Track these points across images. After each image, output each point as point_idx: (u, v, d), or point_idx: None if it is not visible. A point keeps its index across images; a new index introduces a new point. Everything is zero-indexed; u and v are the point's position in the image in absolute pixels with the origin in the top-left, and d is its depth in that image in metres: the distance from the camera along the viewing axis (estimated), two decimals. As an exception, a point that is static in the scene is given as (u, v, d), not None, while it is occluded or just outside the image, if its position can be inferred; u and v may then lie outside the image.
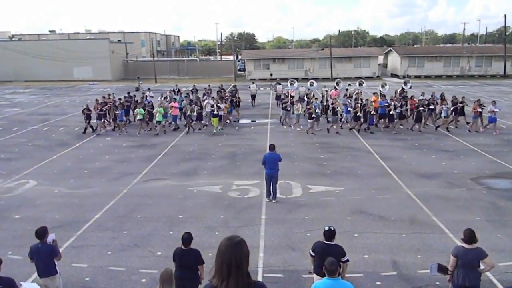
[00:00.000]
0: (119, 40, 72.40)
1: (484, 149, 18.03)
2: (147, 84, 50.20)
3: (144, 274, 8.55)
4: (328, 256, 5.86)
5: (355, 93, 25.12)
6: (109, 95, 25.80)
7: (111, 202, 12.52)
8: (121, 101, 24.48)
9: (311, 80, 29.16)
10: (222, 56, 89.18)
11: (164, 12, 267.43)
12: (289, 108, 24.49)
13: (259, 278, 8.22)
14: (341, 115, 22.72)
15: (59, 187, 14.09)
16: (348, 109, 22.39)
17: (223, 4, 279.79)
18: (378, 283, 8.12)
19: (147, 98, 25.98)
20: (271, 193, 12.33)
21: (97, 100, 23.88)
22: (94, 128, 22.89)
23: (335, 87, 27.13)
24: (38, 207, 12.35)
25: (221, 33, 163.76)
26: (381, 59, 62.37)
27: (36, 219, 11.08)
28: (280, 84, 30.86)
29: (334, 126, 21.81)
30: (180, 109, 24.28)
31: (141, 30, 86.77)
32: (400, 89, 26.22)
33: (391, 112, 21.76)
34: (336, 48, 69.86)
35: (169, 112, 23.50)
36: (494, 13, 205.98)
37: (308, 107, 22.30)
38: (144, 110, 22.81)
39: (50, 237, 7.21)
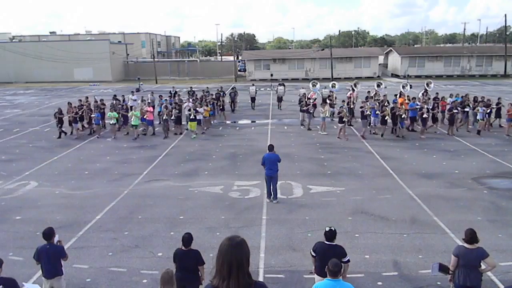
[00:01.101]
0: (120, 41, 72.50)
1: (485, 149, 18.02)
2: (147, 85, 50.28)
3: (145, 275, 8.56)
4: (329, 257, 5.86)
5: (373, 94, 24.17)
6: (86, 97, 24.99)
7: (112, 203, 12.53)
8: (97, 104, 23.56)
9: (333, 82, 27.98)
10: (223, 57, 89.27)
11: (164, 13, 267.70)
12: (311, 111, 23.53)
13: (260, 279, 8.21)
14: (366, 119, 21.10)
15: (60, 188, 14.10)
16: (376, 112, 20.95)
17: (223, 4, 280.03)
18: (379, 283, 8.11)
19: (125, 101, 25.24)
20: (272, 193, 12.33)
21: (69, 103, 22.99)
22: (66, 132, 22.11)
23: (352, 89, 26.00)
24: (39, 208, 12.35)
25: (222, 34, 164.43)
26: (381, 59, 62.37)
27: (37, 221, 11.10)
28: (303, 88, 28.74)
29: (363, 130, 20.63)
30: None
31: (142, 31, 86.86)
32: (423, 91, 25.07)
33: (424, 116, 20.37)
34: (337, 48, 69.90)
35: (145, 116, 22.10)
36: (494, 13, 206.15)
37: (338, 110, 20.98)
38: (118, 113, 22.06)
39: (55, 238, 7.23)
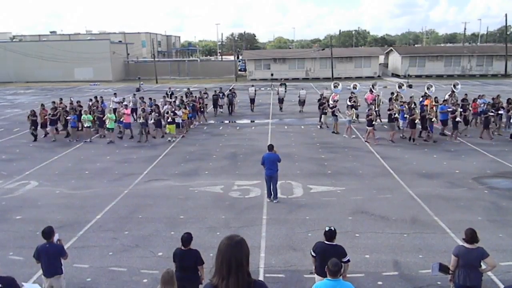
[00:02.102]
0: (120, 41, 72.56)
1: (485, 148, 18.00)
2: (148, 85, 50.31)
3: (146, 274, 8.55)
4: (329, 257, 5.85)
5: (395, 96, 22.93)
6: (61, 99, 24.04)
7: (112, 203, 12.53)
8: (73, 106, 22.66)
9: (354, 83, 26.62)
10: (223, 57, 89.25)
11: (164, 12, 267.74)
12: (336, 114, 22.31)
13: (261, 278, 8.20)
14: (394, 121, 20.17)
15: (60, 188, 14.10)
16: (405, 115, 19.70)
17: (223, 4, 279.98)
18: (380, 283, 8.11)
19: (104, 103, 24.42)
20: (272, 193, 12.33)
21: (42, 105, 22.14)
22: (37, 135, 21.30)
23: (371, 90, 25.10)
24: (39, 208, 12.36)
25: (222, 34, 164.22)
26: (382, 59, 62.40)
27: (37, 220, 11.10)
28: (327, 88, 26.99)
29: (391, 134, 19.70)
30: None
31: (142, 31, 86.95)
32: (450, 93, 23.75)
33: (457, 119, 19.22)
34: (337, 48, 69.93)
35: (121, 119, 21.28)
36: (495, 12, 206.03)
37: (367, 112, 19.86)
38: (92, 116, 21.24)
39: (55, 237, 7.23)
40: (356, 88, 25.24)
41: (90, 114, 21.34)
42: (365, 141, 19.49)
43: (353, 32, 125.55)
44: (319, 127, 23.17)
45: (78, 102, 24.06)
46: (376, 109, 22.74)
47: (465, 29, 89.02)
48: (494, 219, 10.95)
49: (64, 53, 55.64)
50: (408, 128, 19.54)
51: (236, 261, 2.98)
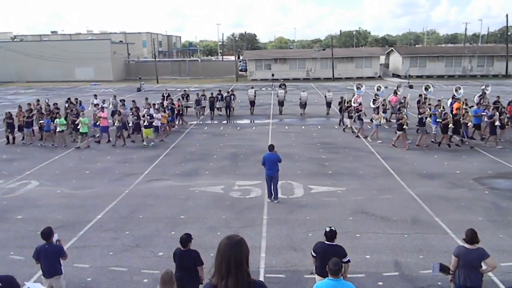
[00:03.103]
0: (121, 41, 72.68)
1: (486, 149, 17.98)
2: (148, 85, 50.33)
3: (146, 274, 8.56)
4: (330, 257, 5.85)
5: (423, 98, 22.14)
6: (37, 101, 23.39)
7: (113, 203, 12.53)
8: (49, 108, 21.64)
9: (378, 85, 25.24)
10: (224, 57, 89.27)
11: (165, 12, 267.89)
12: (362, 117, 21.15)
13: (261, 278, 8.21)
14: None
15: (61, 187, 14.11)
16: (437, 119, 18.70)
17: (224, 4, 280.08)
18: (380, 283, 8.10)
19: (82, 105, 23.83)
20: (272, 193, 12.33)
21: (19, 107, 21.39)
22: (15, 137, 20.52)
23: (395, 92, 24.10)
24: (40, 207, 12.37)
25: (223, 34, 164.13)
26: (382, 59, 62.32)
27: (38, 220, 11.11)
28: (360, 88, 24.19)
29: (419, 138, 18.68)
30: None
31: (143, 31, 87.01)
32: (480, 94, 22.85)
33: (496, 124, 18.13)
34: (338, 48, 69.98)
35: (97, 122, 20.47)
36: (496, 13, 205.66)
37: (398, 116, 18.74)
38: (66, 120, 20.27)
39: (54, 237, 7.23)
40: (380, 90, 23.96)
41: (64, 117, 20.37)
42: (392, 145, 18.54)
43: (354, 32, 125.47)
44: (343, 130, 22.13)
45: (55, 104, 23.20)
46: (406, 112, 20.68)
47: (466, 29, 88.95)
48: (494, 219, 10.95)
49: (65, 53, 55.70)
50: (440, 133, 18.60)
51: (236, 261, 2.98)
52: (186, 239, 6.81)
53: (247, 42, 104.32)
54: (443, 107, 19.32)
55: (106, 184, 14.44)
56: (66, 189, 13.97)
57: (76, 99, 25.77)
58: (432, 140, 19.15)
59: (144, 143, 19.65)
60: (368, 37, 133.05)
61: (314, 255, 6.86)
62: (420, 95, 23.10)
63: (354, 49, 78.68)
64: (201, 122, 25.74)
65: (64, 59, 55.59)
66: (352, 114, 21.50)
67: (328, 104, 27.40)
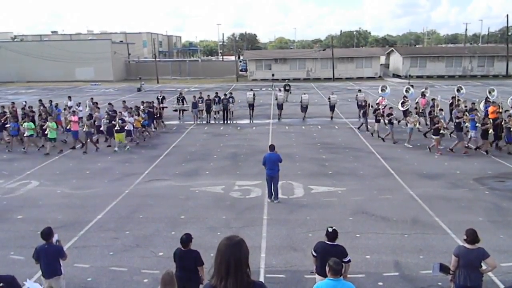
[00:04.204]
0: (121, 41, 72.65)
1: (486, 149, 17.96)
2: (149, 85, 50.33)
3: (146, 274, 8.56)
4: (330, 257, 5.85)
5: (456, 101, 21.02)
6: (13, 103, 22.28)
7: (113, 203, 12.53)
8: (25, 111, 20.58)
9: (407, 86, 23.91)
10: (224, 57, 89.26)
11: (165, 13, 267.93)
12: (393, 121, 19.90)
13: (261, 279, 8.21)
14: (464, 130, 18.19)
15: (61, 187, 14.11)
16: (476, 124, 17.56)
17: (224, 4, 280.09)
18: (380, 283, 8.10)
19: (59, 107, 22.80)
20: (273, 193, 12.33)
21: None
22: None
23: (423, 94, 22.92)
24: (40, 207, 12.37)
25: (223, 34, 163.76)
26: (383, 59, 62.35)
27: (38, 220, 11.11)
28: (384, 89, 23.35)
29: (459, 145, 17.61)
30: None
31: (143, 31, 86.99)
32: None
33: None
34: (338, 48, 70.04)
35: (68, 126, 19.51)
36: (496, 13, 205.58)
37: (435, 120, 17.70)
38: (34, 124, 19.01)
39: (54, 238, 7.23)
40: (409, 92, 22.85)
41: (32, 121, 19.18)
42: (428, 149, 17.77)
43: (354, 33, 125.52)
44: (371, 134, 20.81)
45: (30, 107, 22.06)
46: (440, 115, 18.92)
47: (466, 29, 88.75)
48: (495, 219, 10.94)
49: (65, 53, 55.71)
50: (479, 138, 17.53)
51: (235, 262, 2.98)
52: (186, 239, 6.81)
53: (247, 42, 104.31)
54: (476, 110, 18.62)
55: (106, 184, 14.44)
56: (66, 189, 13.97)
57: (51, 101, 24.19)
58: (469, 145, 17.98)
59: (115, 148, 18.65)
60: (368, 37, 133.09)
61: (315, 255, 6.86)
62: (453, 97, 21.93)
63: (355, 49, 78.69)
64: (199, 122, 25.32)
65: (64, 59, 55.59)
66: (379, 118, 20.45)
67: (332, 108, 25.72)
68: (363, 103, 22.35)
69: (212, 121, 25.41)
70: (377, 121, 20.54)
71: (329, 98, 25.96)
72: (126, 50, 65.06)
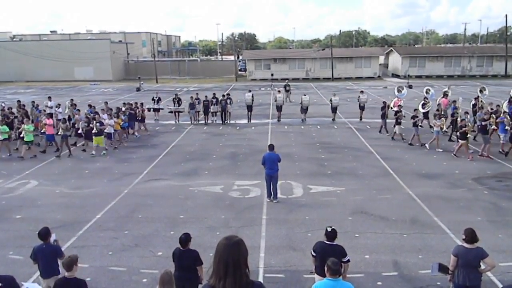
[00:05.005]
0: (120, 41, 72.55)
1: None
2: (148, 85, 50.29)
3: (145, 274, 8.56)
4: (329, 256, 5.86)
5: (480, 102, 20.38)
6: None
7: (112, 202, 12.53)
8: (4, 113, 19.94)
9: (427, 87, 22.96)
10: (223, 56, 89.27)
11: (165, 12, 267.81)
12: (419, 124, 19.15)
13: (260, 279, 8.22)
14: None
15: (60, 187, 14.10)
16: (506, 127, 17.08)
17: (224, 4, 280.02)
18: (379, 283, 8.11)
19: (38, 108, 21.92)
20: (272, 193, 12.33)
21: None
22: None
23: (445, 94, 22.06)
24: (39, 207, 12.36)
25: (222, 34, 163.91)
26: (382, 59, 62.39)
27: (37, 219, 11.10)
28: (401, 90, 22.25)
29: (483, 147, 17.05)
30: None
31: (142, 31, 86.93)
32: None
33: None
34: (337, 48, 69.93)
35: (43, 130, 18.70)
36: (495, 13, 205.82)
37: (460, 123, 16.88)
38: (11, 127, 18.40)
39: (52, 238, 7.22)
40: (429, 93, 21.98)
41: (9, 124, 18.49)
42: (453, 154, 16.91)
43: (354, 33, 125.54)
44: (391, 138, 19.97)
45: (9, 109, 21.47)
46: (466, 118, 17.60)
47: (465, 29, 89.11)
48: (493, 219, 10.96)
49: (64, 53, 55.60)
50: (507, 142, 17.02)
51: (233, 262, 2.98)
52: (185, 238, 6.81)
53: (247, 42, 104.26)
54: (501, 112, 18.12)
55: (105, 183, 14.43)
56: (65, 188, 13.96)
57: (33, 102, 23.50)
58: (500, 150, 17.33)
59: (93, 152, 17.98)
60: (367, 37, 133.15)
61: (314, 254, 6.86)
62: (476, 98, 21.11)
63: (354, 49, 78.67)
64: (196, 122, 24.99)
65: (64, 58, 55.49)
66: (401, 120, 19.57)
67: (334, 109, 25.13)
68: (383, 105, 21.62)
69: (210, 121, 25.26)
70: (398, 123, 19.57)
71: (330, 100, 25.36)
72: (125, 50, 64.95)
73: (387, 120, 21.38)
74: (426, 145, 18.27)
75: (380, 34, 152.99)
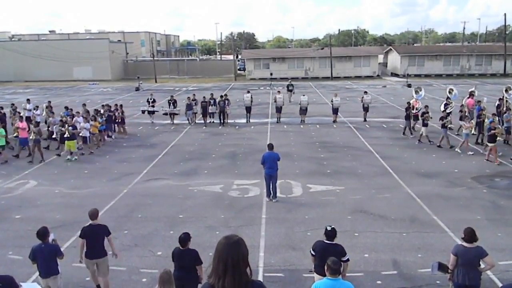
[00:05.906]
0: (119, 40, 72.45)
1: (483, 148, 17.97)
2: (147, 84, 50.24)
3: (145, 273, 8.56)
4: (329, 256, 5.86)
5: (505, 102, 19.53)
6: None
7: (112, 202, 12.52)
8: None
9: (450, 87, 21.82)
10: (222, 56, 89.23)
11: (164, 12, 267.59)
12: (448, 125, 18.36)
13: (260, 278, 8.22)
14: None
15: (59, 187, 14.09)
16: None
17: (223, 4, 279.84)
18: (379, 282, 8.12)
19: (16, 111, 20.96)
20: (271, 192, 12.33)
21: None
22: None
23: (471, 94, 21.27)
24: (38, 207, 12.35)
25: (221, 33, 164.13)
26: (381, 58, 62.39)
27: (37, 219, 11.08)
28: (418, 91, 21.06)
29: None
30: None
31: (141, 30, 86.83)
32: None
33: None
34: (336, 47, 69.81)
35: (15, 134, 18.29)
36: (494, 12, 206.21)
37: (489, 125, 16.15)
38: None
39: (50, 237, 7.22)
40: (452, 93, 20.97)
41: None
42: (486, 160, 16.19)
43: (353, 32, 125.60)
44: (417, 141, 19.16)
45: None
46: (492, 119, 16.68)
47: (464, 28, 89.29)
48: (493, 218, 10.97)
49: (63, 52, 55.53)
50: None
51: (233, 261, 2.98)
52: (184, 238, 6.81)
53: (246, 41, 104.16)
54: None
55: (105, 183, 14.42)
56: (64, 188, 13.94)
57: (12, 104, 22.81)
58: None
59: (68, 156, 17.35)
60: (366, 36, 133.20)
61: (314, 253, 6.87)
62: (501, 99, 20.32)
63: (353, 48, 78.57)
64: (193, 123, 24.65)
65: (62, 58, 55.42)
66: (427, 122, 18.91)
67: (335, 111, 24.56)
68: (407, 105, 20.78)
69: (209, 120, 25.00)
70: (425, 125, 18.90)
71: (331, 101, 24.77)
72: (124, 50, 64.90)
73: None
74: (457, 148, 17.47)
75: (379, 33, 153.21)
